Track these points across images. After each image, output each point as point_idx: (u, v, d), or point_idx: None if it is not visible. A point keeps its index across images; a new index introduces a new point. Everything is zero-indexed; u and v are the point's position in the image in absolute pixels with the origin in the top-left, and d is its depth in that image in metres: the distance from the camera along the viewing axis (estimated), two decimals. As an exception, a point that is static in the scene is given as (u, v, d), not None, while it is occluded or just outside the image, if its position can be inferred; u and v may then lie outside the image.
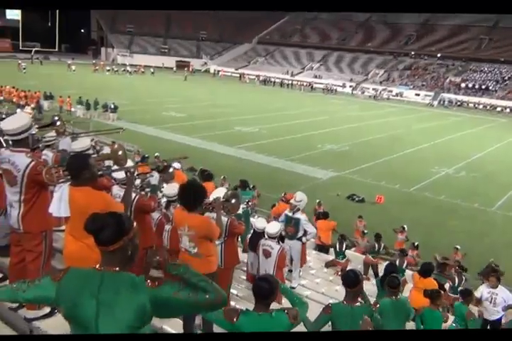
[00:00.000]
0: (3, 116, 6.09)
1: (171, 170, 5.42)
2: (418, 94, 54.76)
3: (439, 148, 26.93)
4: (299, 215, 7.38)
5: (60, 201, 3.45)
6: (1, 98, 28.20)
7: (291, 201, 7.59)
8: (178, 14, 74.36)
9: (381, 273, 7.60)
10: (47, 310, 3.71)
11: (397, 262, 8.91)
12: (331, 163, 20.95)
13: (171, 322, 4.51)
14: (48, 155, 5.14)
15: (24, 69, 45.14)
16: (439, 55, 61.06)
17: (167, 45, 71.96)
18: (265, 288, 2.98)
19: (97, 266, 2.06)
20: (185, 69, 61.23)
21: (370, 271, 9.22)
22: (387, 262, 8.51)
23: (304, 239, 7.52)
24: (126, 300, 1.98)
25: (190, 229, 4.13)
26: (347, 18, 69.84)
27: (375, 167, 21.17)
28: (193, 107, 33.14)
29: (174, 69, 63.13)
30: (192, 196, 4.11)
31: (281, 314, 3.03)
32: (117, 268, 2.04)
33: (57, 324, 3.53)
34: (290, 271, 7.54)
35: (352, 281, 3.76)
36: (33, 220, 3.62)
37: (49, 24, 65.75)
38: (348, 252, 9.92)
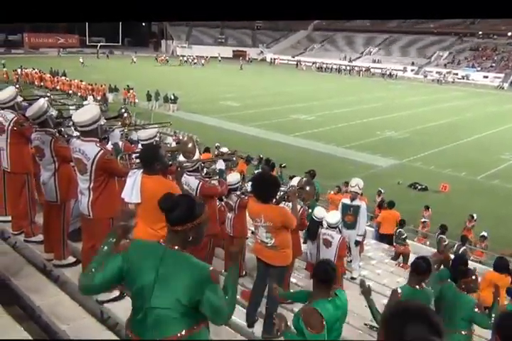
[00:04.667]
0: (71, 107, 6.40)
1: (234, 158, 5.51)
2: (486, 77, 51.80)
3: (510, 133, 25.45)
4: (358, 202, 7.22)
5: (133, 188, 3.60)
6: (70, 91, 29.65)
7: (349, 188, 7.44)
8: (234, 3, 74.58)
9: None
10: (117, 293, 3.88)
11: (455, 249, 8.60)
12: (391, 151, 20.36)
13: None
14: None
15: (82, 63, 46.67)
16: (509, 34, 57.38)
17: (224, 35, 72.41)
18: (329, 272, 3.00)
19: (161, 241, 2.21)
20: (241, 58, 61.40)
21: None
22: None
23: (358, 238, 7.32)
24: (182, 276, 2.08)
25: (267, 220, 4.11)
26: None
27: (439, 154, 20.35)
28: (249, 96, 33.25)
29: (231, 58, 63.60)
30: (266, 187, 4.12)
31: (342, 293, 3.13)
32: (176, 247, 2.16)
33: (127, 307, 3.70)
34: (349, 261, 7.44)
35: (422, 270, 3.78)
36: (102, 207, 3.78)
37: (113, 19, 67.95)
38: (409, 242, 9.65)
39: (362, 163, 18.53)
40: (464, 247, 8.74)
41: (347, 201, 7.31)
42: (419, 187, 15.87)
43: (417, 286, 3.81)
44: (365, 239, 8.37)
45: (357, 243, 7.35)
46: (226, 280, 2.32)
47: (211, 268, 2.15)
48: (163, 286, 2.09)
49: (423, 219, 11.76)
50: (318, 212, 6.75)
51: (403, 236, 9.27)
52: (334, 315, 2.97)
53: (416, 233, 11.62)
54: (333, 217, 6.42)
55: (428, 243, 10.93)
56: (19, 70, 34.31)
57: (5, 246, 4.57)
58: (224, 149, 12.99)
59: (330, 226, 6.37)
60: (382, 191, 12.99)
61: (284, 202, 4.72)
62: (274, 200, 4.29)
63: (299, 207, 4.95)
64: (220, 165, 4.74)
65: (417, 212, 12.53)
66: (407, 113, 29.94)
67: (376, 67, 57.10)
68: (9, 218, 5.04)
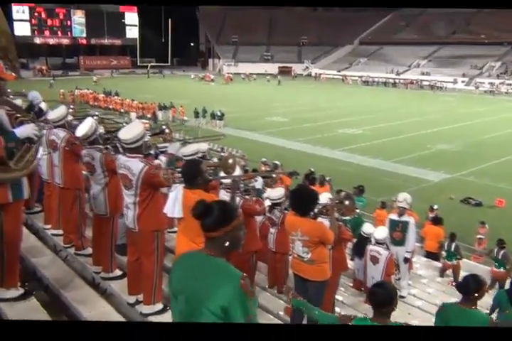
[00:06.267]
0: (122, 125, 6.64)
1: (273, 175, 5.52)
2: (543, 87, 49.54)
3: None
4: (406, 218, 7.03)
5: (175, 203, 3.67)
6: (122, 110, 30.83)
7: (396, 204, 7.27)
8: (279, 21, 75.63)
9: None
10: (160, 306, 3.94)
11: None
12: (442, 164, 19.72)
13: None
14: (162, 159, 5.55)
15: (95, 82, 46.80)
16: None
17: (269, 52, 73.31)
18: (381, 295, 2.82)
19: (201, 249, 2.22)
20: (275, 72, 61.81)
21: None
22: None
23: (407, 255, 7.11)
24: (215, 282, 2.04)
25: (303, 234, 4.09)
26: (455, 10, 65.39)
27: (494, 168, 19.48)
28: (295, 111, 33.30)
29: (275, 74, 64.19)
30: (304, 201, 4.10)
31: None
32: (212, 253, 2.14)
33: (170, 320, 3.74)
34: (398, 279, 7.22)
35: (470, 288, 3.40)
36: (147, 220, 3.86)
37: (163, 40, 70.60)
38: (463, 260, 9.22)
39: (411, 178, 18.03)
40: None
41: (394, 217, 7.12)
42: (473, 202, 15.22)
43: (467, 306, 3.42)
44: (414, 255, 8.12)
45: (406, 260, 7.14)
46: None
47: (242, 276, 2.07)
48: (197, 294, 2.06)
49: (479, 236, 11.21)
50: (367, 228, 6.63)
51: (454, 250, 8.83)
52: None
53: (470, 250, 11.11)
54: (381, 232, 6.29)
55: (482, 261, 10.41)
56: (76, 91, 36.07)
57: (57, 259, 4.74)
58: (277, 162, 12.94)
59: (377, 242, 6.24)
60: (435, 207, 12.45)
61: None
62: (312, 214, 4.26)
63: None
64: (259, 184, 4.78)
65: (471, 228, 12.00)
66: (459, 125, 29.00)
67: (425, 79, 55.89)
68: (61, 232, 5.24)
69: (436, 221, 9.89)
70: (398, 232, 7.03)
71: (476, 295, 3.40)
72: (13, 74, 3.84)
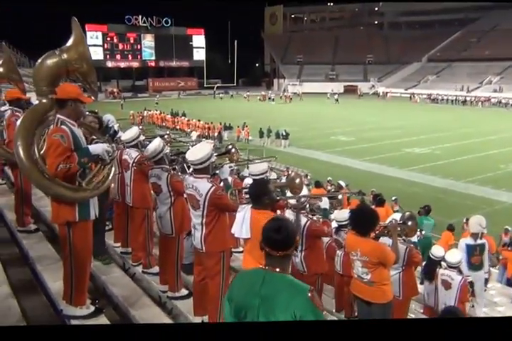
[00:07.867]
0: (190, 145, 6.80)
1: (339, 196, 5.38)
2: None
3: None
4: (482, 240, 6.73)
5: (243, 223, 3.66)
6: (189, 130, 31.75)
7: (469, 227, 6.91)
8: (344, 40, 75.56)
9: None
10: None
11: None
12: (517, 185, 18.54)
13: None
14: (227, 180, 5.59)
15: (156, 103, 47.84)
16: None
17: (334, 71, 73.07)
18: None
19: (261, 266, 2.25)
20: (331, 90, 61.04)
21: None
22: None
23: (486, 276, 6.75)
24: (285, 298, 2.09)
25: (363, 254, 4.03)
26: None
27: None
28: (361, 130, 32.76)
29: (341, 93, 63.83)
30: (364, 220, 4.04)
31: None
32: (278, 269, 2.19)
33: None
34: (472, 306, 6.77)
35: None
36: (214, 241, 3.87)
37: (229, 61, 72.49)
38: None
39: (484, 199, 17.09)
40: None
41: (471, 241, 6.74)
42: (553, 226, 14.09)
43: None
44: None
45: (486, 281, 6.78)
46: None
47: (310, 289, 2.12)
48: (268, 310, 2.11)
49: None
50: (437, 250, 6.30)
51: None
52: None
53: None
54: (454, 256, 5.92)
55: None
56: (145, 112, 37.69)
57: (125, 277, 4.82)
58: (342, 183, 12.63)
59: (450, 266, 5.90)
60: (510, 229, 11.70)
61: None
62: (374, 235, 4.16)
63: (404, 246, 4.72)
64: (325, 203, 4.68)
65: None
66: (537, 144, 27.24)
67: (497, 96, 53.18)
68: (130, 250, 5.36)
69: (518, 246, 9.30)
70: (477, 256, 6.72)
71: None
72: (92, 97, 4.06)
